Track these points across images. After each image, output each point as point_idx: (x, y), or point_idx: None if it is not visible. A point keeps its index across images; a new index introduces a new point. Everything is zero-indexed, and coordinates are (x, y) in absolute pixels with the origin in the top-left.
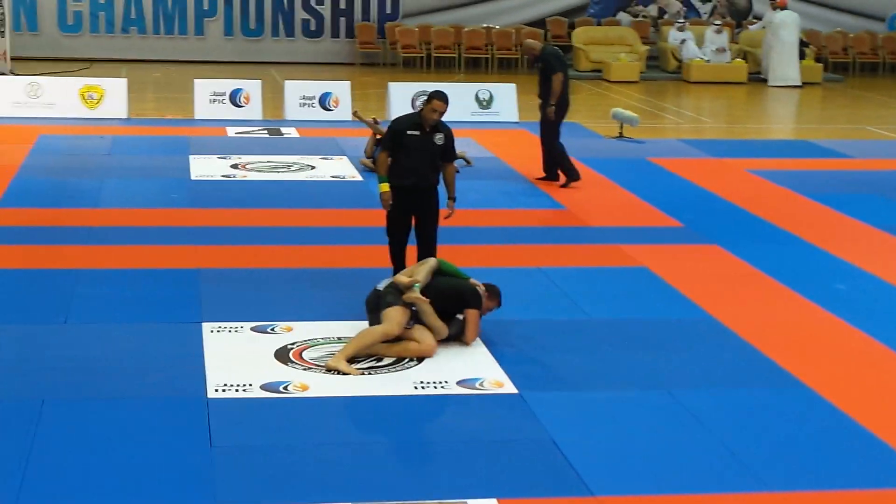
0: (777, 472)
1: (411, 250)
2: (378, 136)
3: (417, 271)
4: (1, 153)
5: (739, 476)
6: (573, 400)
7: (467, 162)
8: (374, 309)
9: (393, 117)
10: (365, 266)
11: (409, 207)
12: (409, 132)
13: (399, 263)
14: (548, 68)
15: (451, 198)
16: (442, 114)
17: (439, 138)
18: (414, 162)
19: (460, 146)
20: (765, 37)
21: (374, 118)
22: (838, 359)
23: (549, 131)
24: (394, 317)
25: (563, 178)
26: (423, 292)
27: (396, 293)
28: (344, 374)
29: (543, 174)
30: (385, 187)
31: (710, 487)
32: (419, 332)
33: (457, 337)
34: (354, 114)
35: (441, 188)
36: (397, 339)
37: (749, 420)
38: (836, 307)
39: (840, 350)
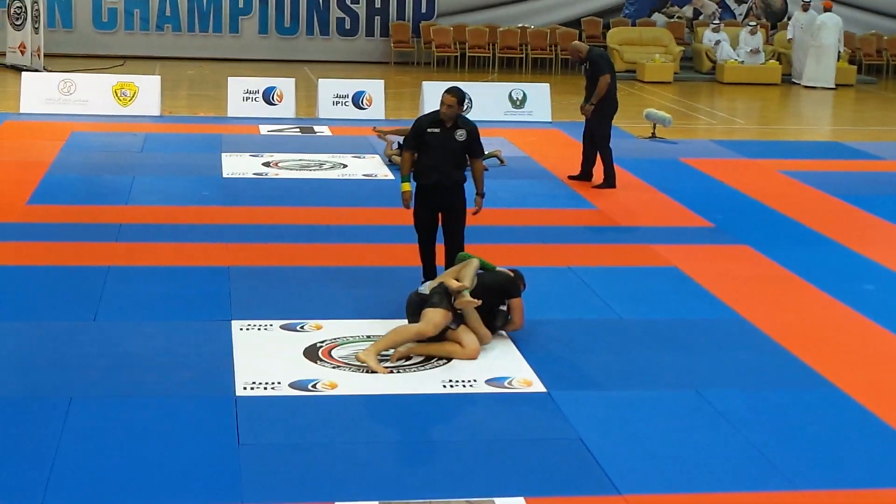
0: (806, 472)
1: (440, 248)
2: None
3: (464, 274)
4: (33, 150)
5: (768, 475)
6: (602, 399)
7: (501, 161)
8: (416, 311)
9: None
10: (395, 265)
11: (434, 205)
12: (429, 130)
13: (428, 261)
14: (596, 70)
15: (480, 194)
16: (453, 108)
17: (460, 135)
18: (436, 159)
19: (494, 145)
20: (794, 37)
21: (391, 129)
22: (867, 359)
23: (601, 133)
24: (432, 318)
25: (598, 180)
26: (472, 292)
27: (443, 295)
28: (372, 370)
29: (578, 172)
30: (406, 186)
31: (739, 486)
32: (464, 334)
33: (503, 325)
34: (375, 130)
35: (469, 185)
36: (442, 340)
37: (778, 420)
38: (866, 308)
39: (869, 350)
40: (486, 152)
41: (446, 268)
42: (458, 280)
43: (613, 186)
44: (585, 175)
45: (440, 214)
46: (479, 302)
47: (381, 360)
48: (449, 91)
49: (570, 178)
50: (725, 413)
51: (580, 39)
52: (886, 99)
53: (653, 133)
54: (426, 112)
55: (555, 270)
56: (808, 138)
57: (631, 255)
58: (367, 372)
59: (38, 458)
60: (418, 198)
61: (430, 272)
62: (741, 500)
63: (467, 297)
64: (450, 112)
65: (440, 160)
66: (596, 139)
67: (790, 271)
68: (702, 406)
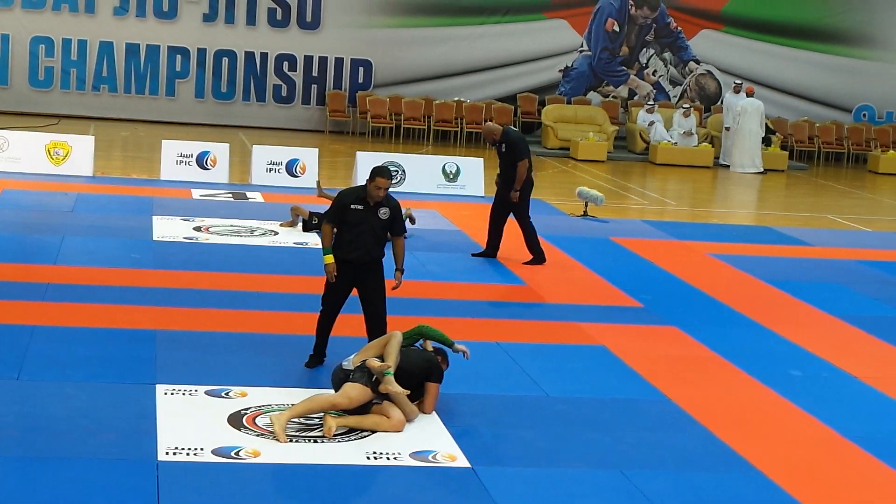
0: None
1: (349, 322)
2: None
3: (388, 352)
4: None
5: None
6: (526, 476)
7: (411, 220)
8: (340, 385)
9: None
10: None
11: (351, 280)
12: (352, 206)
13: (323, 333)
14: (515, 153)
15: (399, 269)
16: (386, 190)
17: (384, 213)
18: (357, 236)
19: (425, 217)
20: (724, 121)
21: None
22: (791, 444)
23: (522, 212)
24: (349, 391)
25: (525, 256)
26: (395, 372)
27: (364, 372)
28: (275, 436)
29: (483, 249)
30: (329, 258)
31: None
32: (389, 408)
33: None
34: (317, 184)
35: (388, 261)
36: (367, 412)
37: (701, 502)
38: (791, 393)
39: (793, 435)
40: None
41: (369, 341)
42: (381, 359)
43: (543, 261)
44: (492, 250)
45: (357, 290)
46: (408, 392)
47: (306, 429)
48: (382, 175)
49: (474, 255)
50: (648, 494)
51: (514, 115)
52: (817, 185)
53: (584, 211)
54: (357, 183)
55: (483, 345)
56: (739, 221)
57: (559, 333)
58: (273, 438)
59: None
60: (336, 272)
61: (321, 346)
62: None
63: (394, 384)
64: (381, 195)
65: (361, 236)
66: (517, 218)
67: (717, 353)
68: (625, 486)
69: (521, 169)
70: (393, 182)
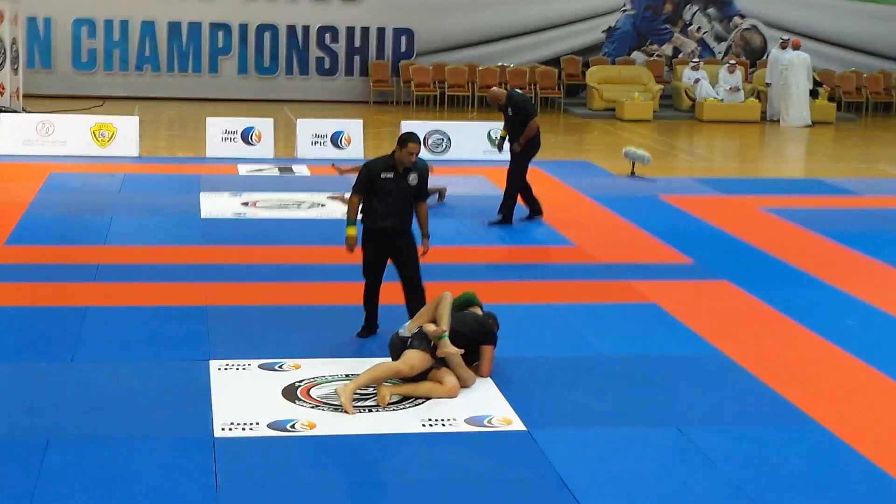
0: None
1: (395, 290)
2: None
3: (440, 315)
4: (11, 191)
5: None
6: (582, 437)
7: (440, 197)
8: (398, 354)
9: None
10: (379, 303)
11: (385, 249)
12: (383, 175)
13: (371, 306)
14: (524, 115)
15: (425, 235)
16: (416, 155)
17: (413, 178)
18: (390, 204)
19: (473, 184)
20: (771, 77)
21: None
22: (848, 395)
23: (518, 170)
24: (410, 359)
25: (505, 214)
26: (449, 335)
27: (423, 339)
28: (343, 409)
29: (527, 214)
30: (352, 231)
31: None
32: (444, 374)
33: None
34: (335, 167)
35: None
36: (422, 379)
37: (758, 457)
38: (846, 342)
39: (850, 386)
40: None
41: (409, 312)
42: (435, 323)
43: (510, 223)
44: (534, 210)
45: (391, 259)
46: (462, 351)
47: (360, 399)
48: (413, 140)
49: (524, 218)
50: (706, 451)
51: (559, 78)
52: (866, 136)
53: (632, 171)
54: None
55: (534, 307)
56: (788, 175)
57: (610, 292)
58: (341, 410)
59: (14, 501)
60: (368, 242)
61: (372, 317)
62: None
63: (449, 346)
64: (412, 160)
65: (394, 205)
66: (510, 172)
67: (770, 306)
68: (682, 444)
69: (531, 126)
70: (438, 150)
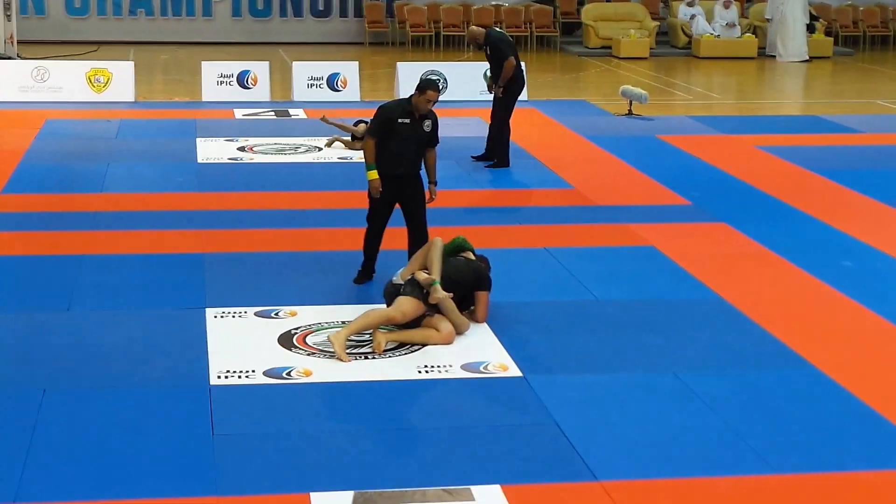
0: (784, 455)
1: (393, 235)
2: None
3: (430, 262)
4: (7, 138)
5: (746, 459)
6: (578, 383)
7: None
8: (392, 301)
9: (401, 97)
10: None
11: (395, 195)
12: (399, 120)
13: (371, 251)
14: (498, 54)
15: (433, 182)
16: (434, 102)
17: (427, 125)
18: (404, 150)
19: (469, 125)
20: (766, 12)
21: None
22: (846, 338)
23: (501, 111)
24: (403, 305)
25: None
26: (441, 281)
27: (416, 286)
28: (337, 356)
29: (482, 153)
30: (374, 174)
31: (717, 471)
32: (439, 321)
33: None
34: (323, 119)
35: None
36: (416, 326)
37: (756, 402)
38: (844, 284)
39: (848, 329)
40: None
41: (410, 257)
42: (426, 270)
43: (507, 165)
44: (489, 154)
45: (399, 204)
46: (452, 295)
47: (356, 346)
48: (432, 86)
49: (474, 157)
50: (703, 395)
51: (554, 16)
52: (864, 70)
53: (629, 110)
54: (400, 95)
55: (530, 251)
56: (786, 112)
57: (607, 235)
58: (335, 357)
59: (11, 450)
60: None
61: (370, 263)
62: (719, 485)
63: (440, 292)
64: (430, 107)
65: (408, 150)
66: (494, 116)
67: (768, 248)
68: (679, 389)
69: (506, 67)
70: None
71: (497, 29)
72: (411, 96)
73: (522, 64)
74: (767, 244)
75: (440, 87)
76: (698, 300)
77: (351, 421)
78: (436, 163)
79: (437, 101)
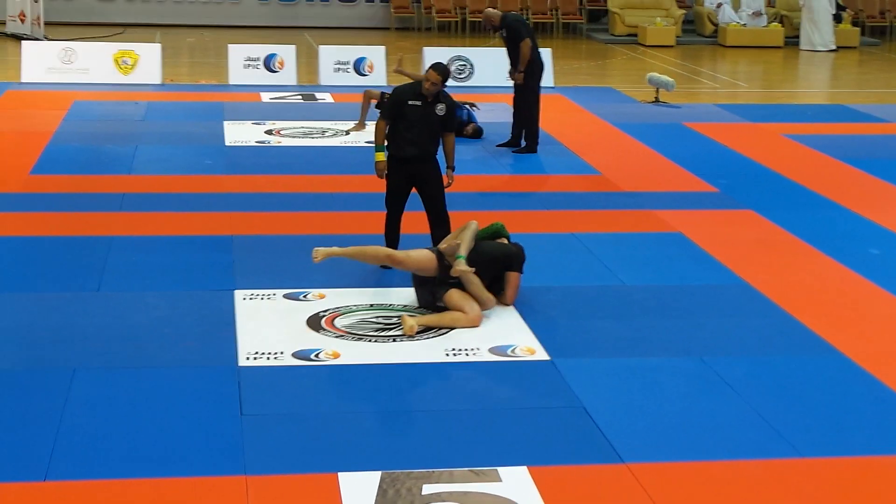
0: (810, 439)
1: (418, 219)
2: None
3: (462, 238)
4: (35, 119)
5: (772, 442)
6: (605, 367)
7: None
8: (420, 282)
9: None
10: (400, 233)
11: (409, 178)
12: (410, 102)
13: (392, 235)
14: (515, 36)
15: (450, 167)
16: (437, 85)
17: (440, 109)
18: (415, 133)
19: (496, 111)
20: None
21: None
22: (872, 324)
23: (528, 96)
24: (413, 251)
25: (522, 144)
26: (470, 259)
27: (439, 251)
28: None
29: (507, 140)
30: (381, 156)
31: (742, 454)
32: (465, 302)
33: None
34: (398, 70)
35: (441, 158)
36: (445, 310)
37: (782, 386)
38: (871, 272)
39: (874, 315)
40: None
41: (433, 241)
42: (456, 243)
43: (534, 152)
44: (515, 141)
45: (416, 188)
46: (473, 270)
47: (384, 328)
48: (435, 68)
49: (498, 146)
50: (729, 380)
51: (580, 4)
52: (890, 60)
53: (656, 97)
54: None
55: (558, 237)
56: (812, 101)
57: (634, 221)
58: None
59: (42, 429)
60: (392, 170)
61: (392, 246)
62: (745, 468)
63: (463, 265)
64: (433, 89)
65: (419, 134)
66: (526, 103)
67: (794, 236)
68: (705, 373)
69: (523, 49)
70: (461, 76)
71: (513, 12)
72: (423, 80)
73: (545, 51)
74: (794, 231)
75: (445, 70)
76: (725, 286)
77: (378, 403)
78: (454, 148)
79: (442, 84)
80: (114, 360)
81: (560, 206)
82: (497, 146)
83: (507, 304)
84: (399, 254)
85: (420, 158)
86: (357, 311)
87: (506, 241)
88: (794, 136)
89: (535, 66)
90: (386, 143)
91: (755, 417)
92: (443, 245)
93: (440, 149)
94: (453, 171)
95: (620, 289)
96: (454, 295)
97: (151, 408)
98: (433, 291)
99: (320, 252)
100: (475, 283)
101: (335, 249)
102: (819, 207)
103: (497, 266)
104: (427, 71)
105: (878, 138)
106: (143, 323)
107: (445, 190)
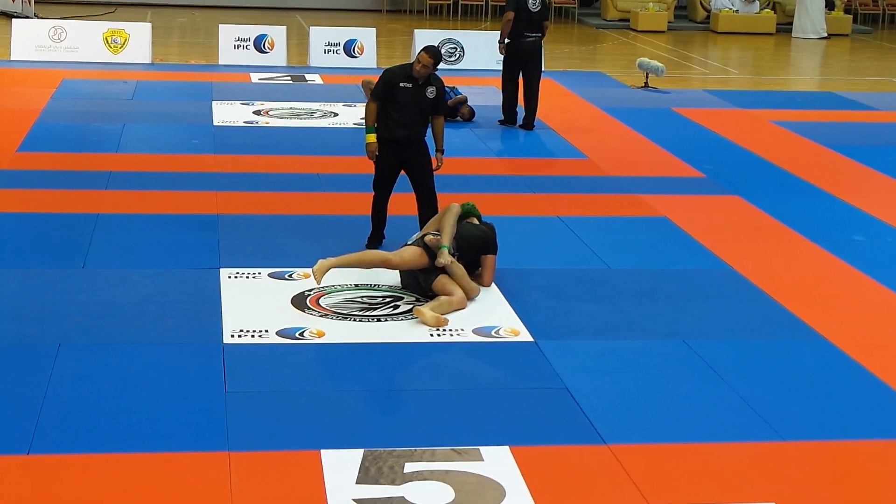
0: (792, 422)
1: (405, 201)
2: None
3: (443, 225)
4: (23, 97)
5: (754, 426)
6: (589, 349)
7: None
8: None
9: None
10: (387, 215)
11: (399, 160)
12: (401, 84)
13: (379, 217)
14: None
15: (440, 150)
16: (428, 68)
17: (431, 91)
18: (405, 115)
19: (485, 94)
20: None
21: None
22: (855, 310)
23: (504, 71)
24: (404, 251)
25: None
26: (451, 246)
27: (422, 243)
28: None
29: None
30: (372, 137)
31: (724, 437)
32: (451, 285)
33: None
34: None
35: (429, 140)
36: (433, 296)
37: (765, 370)
38: (855, 258)
39: (857, 301)
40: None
41: (421, 223)
42: (438, 233)
43: (513, 124)
44: (508, 120)
45: (405, 170)
46: (456, 262)
47: (369, 308)
48: (427, 50)
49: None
50: (712, 363)
51: None
52: (882, 48)
53: (645, 83)
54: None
55: (544, 220)
56: (802, 88)
57: (621, 205)
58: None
59: (26, 405)
60: (382, 152)
61: (379, 229)
62: (727, 451)
63: (447, 256)
64: (424, 72)
65: (410, 116)
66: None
67: (780, 222)
68: (689, 356)
69: (503, 22)
70: (451, 59)
71: None
72: (414, 61)
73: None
74: (780, 217)
75: (437, 53)
76: (710, 270)
77: (362, 381)
78: (443, 131)
79: (433, 67)
80: (98, 337)
81: (547, 190)
82: (499, 121)
83: (486, 286)
84: (393, 258)
85: (410, 141)
86: (342, 290)
87: (476, 221)
88: (782, 123)
89: (515, 45)
90: (376, 125)
91: (738, 401)
92: (428, 238)
93: (429, 131)
94: (443, 153)
95: (605, 272)
96: (442, 279)
97: (136, 384)
98: (418, 278)
99: (321, 268)
100: (459, 273)
101: (332, 261)
102: (805, 194)
103: (474, 250)
104: (419, 53)
105: (867, 126)
106: (128, 300)
107: (434, 172)
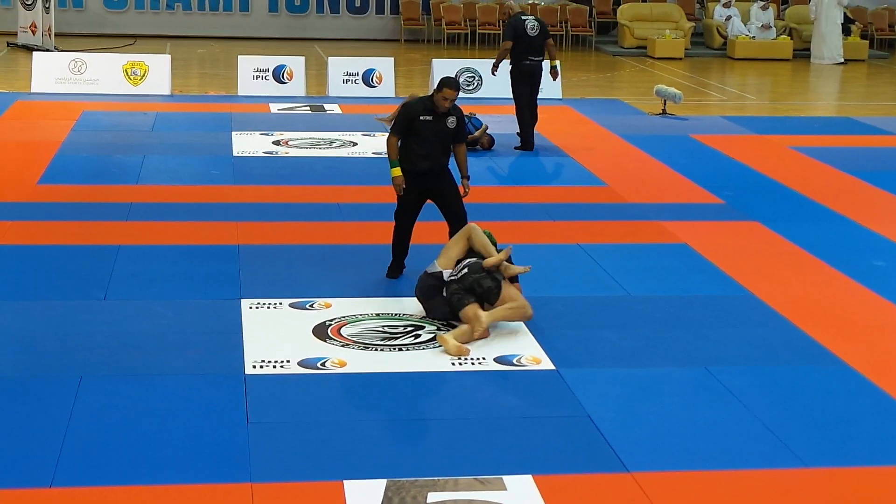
0: (815, 449)
1: (425, 229)
2: None
3: (484, 246)
4: (44, 129)
5: (777, 452)
6: (610, 376)
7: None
8: (427, 293)
9: None
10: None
11: (422, 191)
12: (422, 117)
13: (400, 247)
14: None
15: (465, 176)
16: (452, 101)
17: (451, 121)
18: (427, 147)
19: (503, 123)
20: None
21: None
22: (877, 335)
23: (515, 97)
24: (473, 315)
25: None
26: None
27: (465, 293)
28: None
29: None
30: (397, 171)
31: (747, 464)
32: (508, 290)
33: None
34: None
35: (453, 166)
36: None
37: (787, 397)
38: (875, 283)
39: (878, 326)
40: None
41: None
42: (479, 256)
43: (530, 149)
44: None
45: (431, 199)
46: (529, 268)
47: (390, 337)
48: (450, 85)
49: (517, 148)
50: (734, 390)
51: (590, 16)
52: None
53: (663, 109)
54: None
55: (564, 248)
56: (820, 113)
57: (641, 232)
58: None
59: (48, 436)
60: (406, 184)
61: (399, 258)
62: (750, 478)
63: (515, 267)
64: (448, 105)
65: (432, 148)
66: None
67: (800, 247)
68: (711, 383)
69: (500, 49)
70: (469, 88)
71: (521, 14)
72: (433, 93)
73: (557, 64)
74: (800, 243)
75: (458, 84)
76: (730, 296)
77: (384, 411)
78: (466, 158)
79: (455, 98)
80: (120, 368)
81: (566, 217)
82: (515, 147)
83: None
84: (479, 326)
85: (433, 172)
86: (363, 319)
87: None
88: (800, 149)
89: (519, 71)
90: (399, 159)
91: (759, 427)
92: (487, 262)
93: (451, 159)
94: (468, 180)
95: (626, 299)
96: (510, 290)
97: (158, 415)
98: (444, 304)
99: (452, 346)
100: (514, 290)
101: (452, 336)
102: (824, 219)
103: (477, 297)
104: (441, 88)
105: (885, 151)
106: (150, 331)
107: (467, 199)
